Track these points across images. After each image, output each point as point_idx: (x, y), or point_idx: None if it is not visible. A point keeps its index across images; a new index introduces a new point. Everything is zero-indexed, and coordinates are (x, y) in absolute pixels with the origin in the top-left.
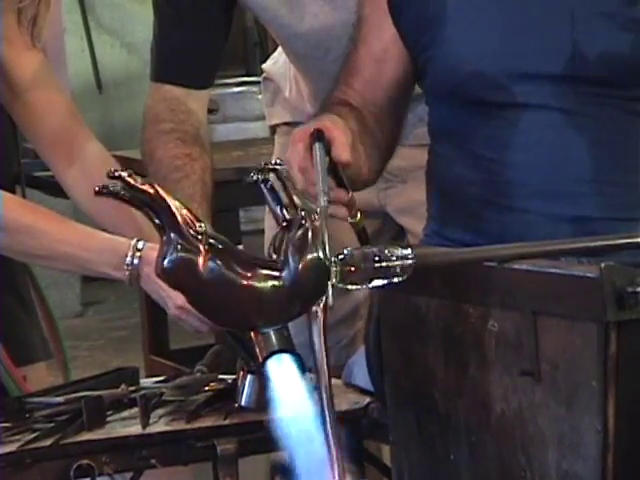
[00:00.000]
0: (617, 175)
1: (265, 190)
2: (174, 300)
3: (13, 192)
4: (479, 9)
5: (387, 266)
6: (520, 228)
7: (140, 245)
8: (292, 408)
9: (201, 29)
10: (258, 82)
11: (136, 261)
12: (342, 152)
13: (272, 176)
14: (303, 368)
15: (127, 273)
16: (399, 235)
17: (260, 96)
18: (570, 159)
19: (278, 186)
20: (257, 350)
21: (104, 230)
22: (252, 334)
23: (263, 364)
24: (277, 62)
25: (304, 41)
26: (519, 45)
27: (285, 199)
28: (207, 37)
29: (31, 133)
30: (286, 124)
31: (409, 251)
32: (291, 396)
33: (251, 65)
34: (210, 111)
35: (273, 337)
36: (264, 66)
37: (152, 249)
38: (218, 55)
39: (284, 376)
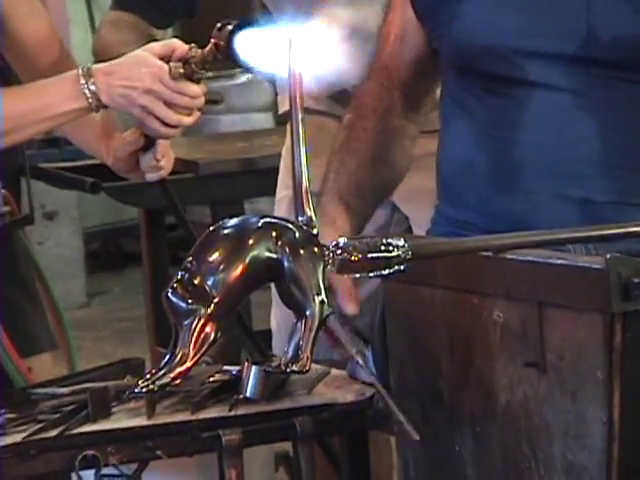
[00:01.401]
0: (625, 159)
1: None
2: (144, 84)
3: (18, 183)
4: None
5: (383, 257)
6: (526, 209)
7: (88, 66)
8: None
9: None
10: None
11: (91, 83)
12: (346, 304)
13: None
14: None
15: (88, 96)
16: (409, 229)
17: (265, 87)
18: (579, 140)
19: None
20: None
21: None
22: None
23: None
24: None
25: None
26: (532, 23)
27: None
28: None
29: (21, 67)
30: None
31: (403, 241)
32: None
33: None
34: (214, 102)
35: None
36: None
37: (99, 65)
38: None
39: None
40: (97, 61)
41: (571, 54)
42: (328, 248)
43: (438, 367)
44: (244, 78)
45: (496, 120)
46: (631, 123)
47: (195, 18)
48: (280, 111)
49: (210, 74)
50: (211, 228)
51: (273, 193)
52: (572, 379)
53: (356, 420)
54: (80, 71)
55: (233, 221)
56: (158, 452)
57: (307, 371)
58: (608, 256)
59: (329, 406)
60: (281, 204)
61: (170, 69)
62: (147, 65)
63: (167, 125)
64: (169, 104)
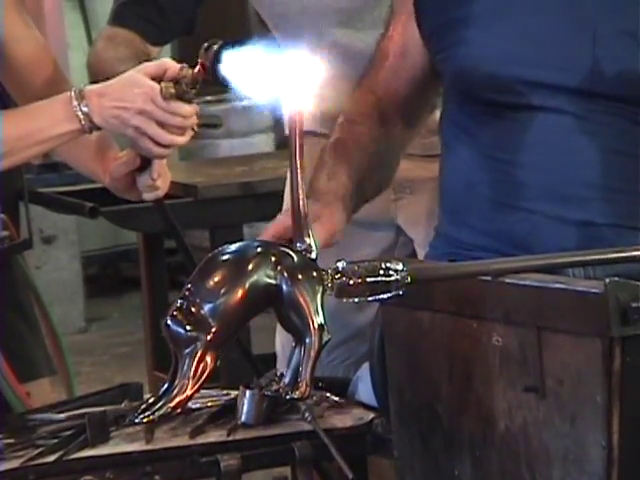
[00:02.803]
0: (625, 183)
1: None
2: (136, 105)
3: (16, 208)
4: (502, 15)
5: (381, 281)
6: (527, 229)
7: (80, 88)
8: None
9: None
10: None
11: (84, 105)
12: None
13: None
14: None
15: (81, 118)
16: (414, 252)
17: (265, 110)
18: (579, 163)
19: None
20: None
21: None
22: None
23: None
24: None
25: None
26: (538, 54)
27: None
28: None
29: (16, 89)
30: None
31: (401, 265)
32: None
33: None
34: (214, 126)
35: None
36: None
37: (92, 86)
38: (179, 21)
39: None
40: (90, 75)
41: (575, 86)
42: (327, 272)
43: (437, 391)
44: (243, 102)
45: (498, 141)
46: (631, 149)
47: (192, 36)
48: (287, 132)
49: (209, 98)
50: (210, 255)
51: (273, 217)
52: (571, 404)
53: (355, 445)
54: (72, 93)
55: (232, 247)
56: (156, 477)
57: (307, 398)
58: (607, 281)
59: (328, 431)
60: None
61: (161, 89)
62: (139, 86)
63: (160, 145)
64: (162, 124)
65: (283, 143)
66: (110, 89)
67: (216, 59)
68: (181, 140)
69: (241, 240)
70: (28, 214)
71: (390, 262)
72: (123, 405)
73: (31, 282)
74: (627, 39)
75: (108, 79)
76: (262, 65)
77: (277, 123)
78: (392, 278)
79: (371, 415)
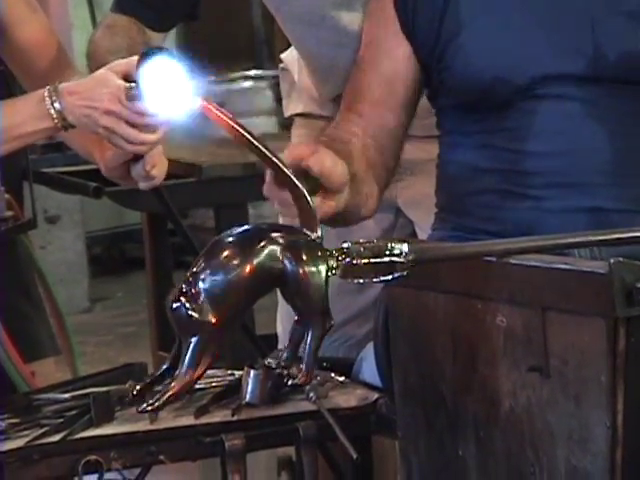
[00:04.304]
0: (635, 167)
1: None
2: (103, 105)
3: (20, 188)
4: (496, 14)
5: (386, 261)
6: (535, 217)
7: (55, 85)
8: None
9: None
10: (266, 77)
11: (56, 102)
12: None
13: None
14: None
15: (54, 117)
16: (414, 233)
17: (267, 92)
18: (588, 149)
19: None
20: None
21: None
22: None
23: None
24: (293, 50)
25: (300, 4)
26: (538, 49)
27: None
28: None
29: (20, 72)
30: (302, 115)
31: (406, 246)
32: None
33: (258, 62)
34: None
35: None
36: (282, 56)
37: (65, 84)
38: (183, 5)
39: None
40: (88, 64)
41: (579, 74)
42: (332, 253)
43: (441, 372)
44: (247, 83)
45: (504, 131)
46: (638, 130)
47: (195, 23)
48: (286, 114)
49: (212, 78)
50: (215, 238)
51: None
52: (576, 384)
53: (359, 425)
54: (46, 91)
55: (236, 230)
56: (161, 457)
57: (308, 383)
58: (612, 261)
59: (332, 411)
60: None
61: (125, 89)
62: (107, 85)
63: (133, 143)
64: (131, 123)
65: (287, 124)
66: (81, 87)
67: (138, 66)
68: (152, 138)
69: (245, 220)
70: (32, 194)
71: (396, 242)
72: (127, 385)
73: (35, 262)
74: (626, 20)
75: None
76: (176, 79)
77: (280, 104)
78: (398, 259)
79: (375, 395)
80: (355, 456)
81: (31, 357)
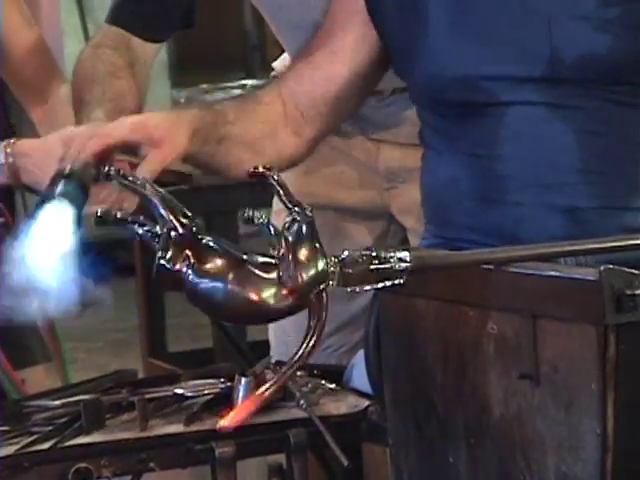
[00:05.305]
0: (603, 164)
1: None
2: (49, 177)
3: (12, 195)
4: (456, 18)
5: (385, 268)
6: (513, 221)
7: (11, 142)
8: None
9: None
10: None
11: (10, 159)
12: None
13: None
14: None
15: (7, 172)
16: (406, 240)
17: None
18: (558, 149)
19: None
20: None
21: None
22: None
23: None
24: (286, 59)
25: (296, 12)
26: (497, 51)
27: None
28: None
29: (10, 79)
30: None
31: (406, 253)
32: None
33: (250, 69)
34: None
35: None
36: (274, 64)
37: (24, 142)
38: (178, 13)
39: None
40: (72, 82)
41: (539, 76)
42: (330, 260)
43: (432, 379)
44: (240, 90)
45: (476, 139)
46: (607, 128)
47: (189, 33)
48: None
49: (204, 86)
50: None
51: (268, 204)
52: (566, 391)
53: (350, 432)
54: (3, 144)
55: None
56: (151, 464)
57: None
58: (601, 268)
59: (323, 418)
60: (279, 215)
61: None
62: (55, 156)
63: None
64: None
65: None
66: (35, 152)
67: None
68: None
69: (236, 227)
70: (24, 201)
71: (394, 250)
72: (119, 393)
73: None
74: (582, 23)
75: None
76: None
77: None
78: (396, 267)
79: (366, 402)
80: (346, 463)
81: (21, 364)
